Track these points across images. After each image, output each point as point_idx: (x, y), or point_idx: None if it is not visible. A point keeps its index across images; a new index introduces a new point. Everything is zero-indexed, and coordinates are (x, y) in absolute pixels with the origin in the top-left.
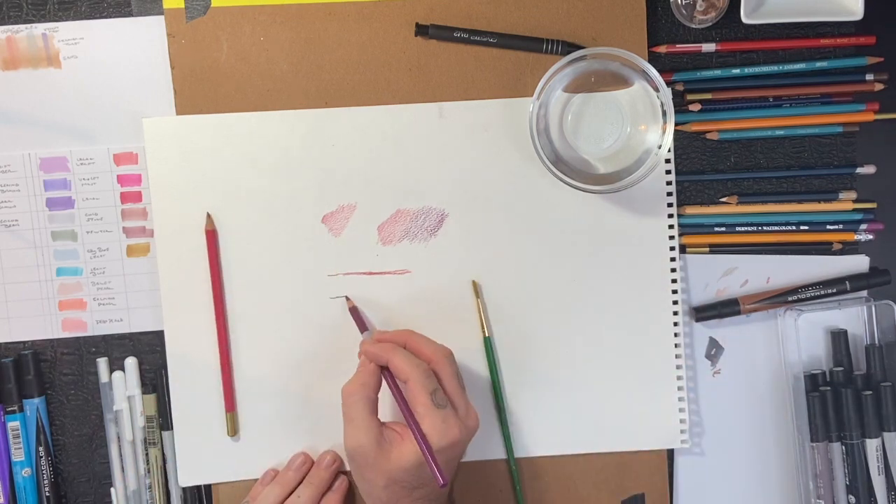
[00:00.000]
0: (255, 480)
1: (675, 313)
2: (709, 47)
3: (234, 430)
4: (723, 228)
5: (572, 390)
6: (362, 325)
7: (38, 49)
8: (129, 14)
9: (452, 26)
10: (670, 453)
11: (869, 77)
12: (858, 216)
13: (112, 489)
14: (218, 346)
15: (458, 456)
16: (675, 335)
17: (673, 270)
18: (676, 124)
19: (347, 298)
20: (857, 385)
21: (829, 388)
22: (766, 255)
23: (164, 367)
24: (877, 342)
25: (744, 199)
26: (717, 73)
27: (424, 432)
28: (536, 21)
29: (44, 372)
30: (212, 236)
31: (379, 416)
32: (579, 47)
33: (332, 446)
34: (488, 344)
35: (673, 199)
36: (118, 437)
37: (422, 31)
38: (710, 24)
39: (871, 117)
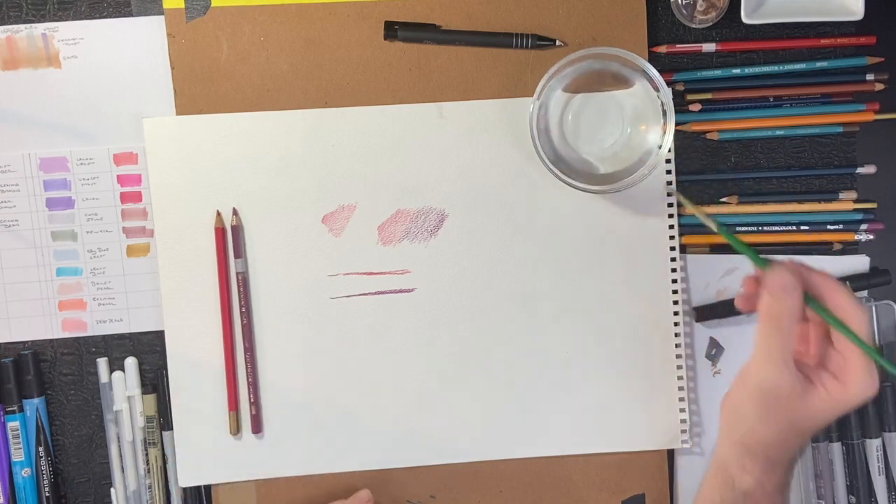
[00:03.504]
0: (255, 481)
1: (676, 313)
2: (709, 47)
3: (236, 428)
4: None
5: (572, 390)
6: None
7: (37, 49)
8: (129, 14)
9: (421, 29)
10: (670, 453)
11: (869, 77)
12: (859, 216)
13: (112, 489)
14: (223, 344)
15: None
16: (676, 335)
17: (673, 270)
18: (677, 124)
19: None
20: None
21: None
22: (767, 255)
23: (164, 367)
24: (877, 342)
25: (744, 199)
26: (718, 73)
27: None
28: (536, 21)
29: (44, 372)
30: (220, 234)
31: None
32: (550, 41)
33: (332, 445)
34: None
35: (673, 199)
36: (118, 438)
37: (391, 34)
38: (711, 24)
39: (871, 117)
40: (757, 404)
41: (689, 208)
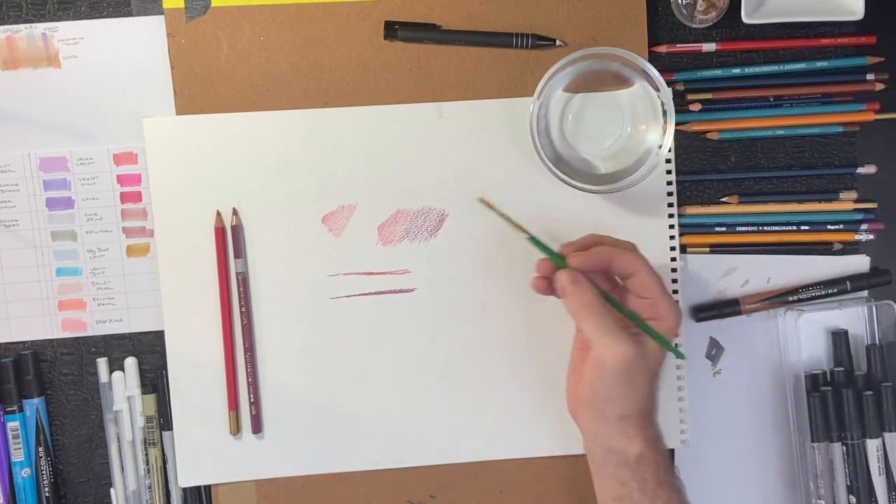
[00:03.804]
0: (255, 481)
1: None
2: (709, 47)
3: (236, 428)
4: (723, 228)
5: None
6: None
7: (37, 49)
8: (129, 14)
9: (421, 29)
10: (670, 453)
11: (869, 77)
12: (859, 216)
13: (112, 489)
14: (223, 344)
15: None
16: (676, 335)
17: (673, 270)
18: (677, 124)
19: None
20: (857, 385)
21: (829, 388)
22: (767, 255)
23: (164, 367)
24: (877, 342)
25: (744, 199)
26: (718, 72)
27: (663, 316)
28: (536, 21)
29: (43, 372)
30: (220, 234)
31: None
32: (550, 40)
33: (332, 445)
34: (536, 242)
35: (673, 199)
36: (118, 438)
37: (391, 34)
38: (711, 23)
39: (871, 117)
40: (622, 381)
41: (495, 213)
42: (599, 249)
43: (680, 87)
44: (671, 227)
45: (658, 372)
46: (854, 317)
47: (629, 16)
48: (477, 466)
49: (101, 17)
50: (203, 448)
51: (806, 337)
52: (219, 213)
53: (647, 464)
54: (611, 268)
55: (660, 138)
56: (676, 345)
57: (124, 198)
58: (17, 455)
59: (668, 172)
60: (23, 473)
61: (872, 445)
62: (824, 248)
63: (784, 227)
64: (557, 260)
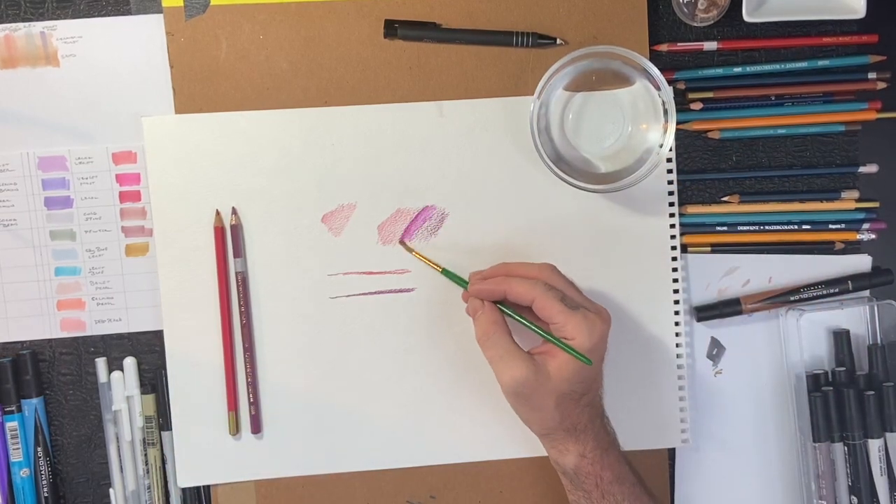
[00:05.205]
0: (254, 481)
1: (677, 313)
2: (710, 46)
3: (235, 428)
4: (724, 228)
5: None
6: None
7: (36, 47)
8: (128, 12)
9: (421, 28)
10: (671, 452)
11: (871, 75)
12: (861, 215)
13: (111, 490)
14: (222, 344)
15: (605, 350)
16: (677, 335)
17: (674, 270)
18: (678, 123)
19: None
20: (859, 385)
21: (831, 388)
22: (768, 254)
23: (164, 367)
24: (879, 342)
25: (745, 199)
26: (719, 71)
27: (572, 335)
28: (538, 19)
29: (42, 372)
30: (220, 233)
31: None
32: (551, 39)
33: (332, 445)
34: (448, 273)
35: (674, 199)
36: (117, 438)
37: (391, 32)
38: (712, 22)
39: (873, 116)
40: (520, 402)
41: (415, 253)
42: (495, 280)
43: (681, 85)
44: (672, 226)
45: (569, 391)
46: (855, 316)
47: (630, 14)
48: (477, 466)
49: (99, 15)
50: (202, 448)
51: (807, 336)
52: (218, 213)
53: (585, 476)
54: (507, 298)
55: (661, 137)
56: (678, 346)
57: (123, 197)
58: (16, 455)
59: (669, 172)
60: (21, 473)
61: (874, 446)
62: (826, 248)
63: (785, 227)
64: (465, 287)
